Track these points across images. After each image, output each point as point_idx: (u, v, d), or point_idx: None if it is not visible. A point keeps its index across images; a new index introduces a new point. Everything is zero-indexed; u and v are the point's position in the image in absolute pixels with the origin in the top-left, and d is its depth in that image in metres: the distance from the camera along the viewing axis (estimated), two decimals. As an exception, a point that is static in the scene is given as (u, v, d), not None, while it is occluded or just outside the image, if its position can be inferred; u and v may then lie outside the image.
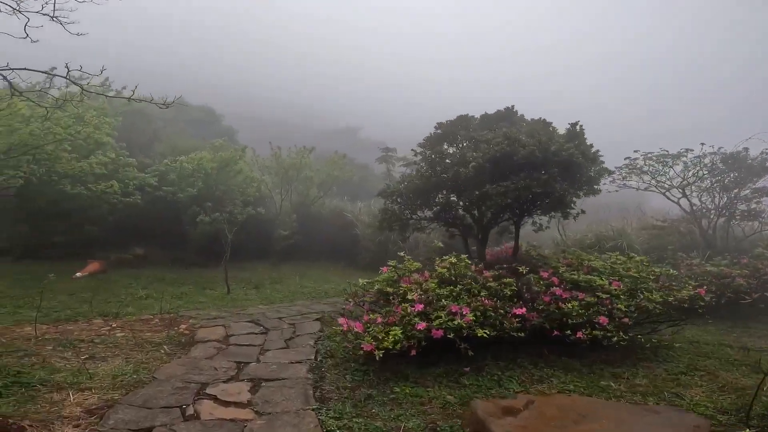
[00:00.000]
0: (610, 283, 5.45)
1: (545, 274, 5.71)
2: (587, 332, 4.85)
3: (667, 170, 11.02)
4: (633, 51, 64.16)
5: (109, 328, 6.23)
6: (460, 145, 8.15)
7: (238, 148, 12.92)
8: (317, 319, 7.02)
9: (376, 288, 5.62)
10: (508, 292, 5.27)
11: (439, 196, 8.89)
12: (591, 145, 6.93)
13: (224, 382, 4.29)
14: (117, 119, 12.42)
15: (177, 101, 5.98)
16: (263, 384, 4.27)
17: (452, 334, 4.56)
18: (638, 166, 10.99)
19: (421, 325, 4.54)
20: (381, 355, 4.38)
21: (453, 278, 5.57)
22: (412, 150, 8.92)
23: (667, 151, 10.48)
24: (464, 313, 4.69)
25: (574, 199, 6.93)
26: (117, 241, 12.01)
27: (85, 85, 5.71)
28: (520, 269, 5.96)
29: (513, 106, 8.35)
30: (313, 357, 5.19)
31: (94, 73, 5.53)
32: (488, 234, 8.51)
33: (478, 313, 4.77)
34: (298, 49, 58.79)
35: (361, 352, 4.71)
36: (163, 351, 5.26)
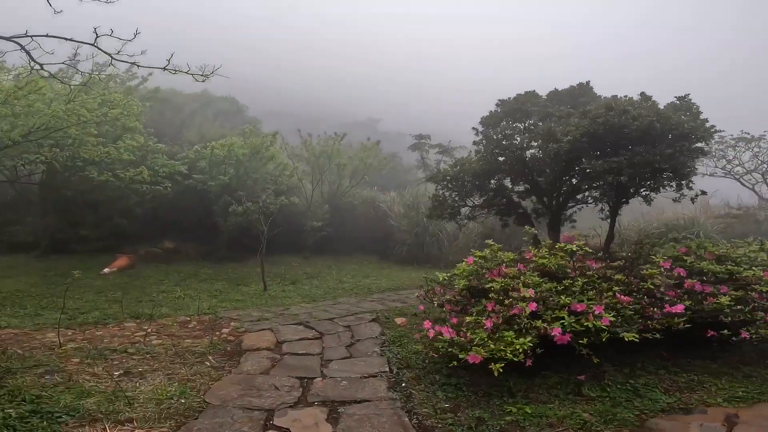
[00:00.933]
0: (763, 273, 4.37)
1: (665, 265, 4.65)
2: (752, 331, 3.83)
3: (741, 155, 9.77)
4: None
5: (143, 333, 5.39)
6: (529, 123, 7.08)
7: (268, 134, 12.00)
8: (373, 320, 6.10)
9: (461, 284, 4.62)
10: (651, 286, 4.23)
11: (493, 180, 7.88)
12: (706, 120, 5.83)
13: (292, 407, 3.37)
14: (144, 105, 11.63)
15: (216, 72, 5.04)
16: (341, 410, 3.34)
17: (585, 339, 3.58)
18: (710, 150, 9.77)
19: (556, 330, 3.56)
20: (501, 370, 3.43)
21: (557, 271, 4.57)
22: (474, 129, 7.86)
23: (748, 133, 9.23)
24: (596, 312, 3.69)
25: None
26: (146, 235, 11.28)
27: (115, 54, 4.81)
28: (619, 259, 4.94)
29: (588, 82, 7.26)
30: (387, 369, 4.26)
31: (126, 51, 4.69)
32: (560, 221, 7.46)
33: (614, 313, 3.78)
34: (320, 47, 57.64)
35: (454, 363, 3.77)
36: (209, 363, 4.38)
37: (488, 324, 3.78)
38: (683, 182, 5.75)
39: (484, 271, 4.76)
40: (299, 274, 10.44)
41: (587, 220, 10.84)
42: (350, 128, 18.13)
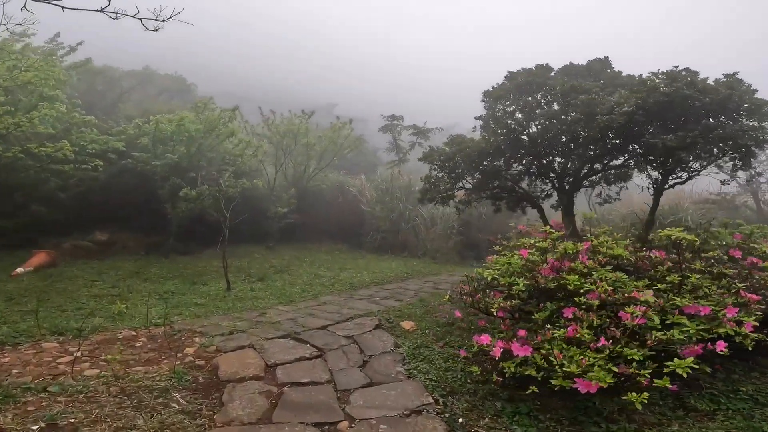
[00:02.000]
0: None
1: (736, 254, 3.90)
2: None
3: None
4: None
5: (70, 358, 3.88)
6: (546, 97, 6.15)
7: (226, 109, 10.26)
8: (376, 327, 4.95)
9: (519, 284, 3.56)
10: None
11: (497, 162, 6.93)
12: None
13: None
14: (71, 75, 9.49)
15: (176, 17, 3.54)
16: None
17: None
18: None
19: (720, 344, 2.60)
20: (645, 401, 2.44)
21: (629, 264, 3.65)
22: (482, 101, 6.81)
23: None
24: (729, 315, 2.80)
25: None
26: (73, 225, 9.23)
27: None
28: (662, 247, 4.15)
29: (606, 57, 6.43)
30: (429, 399, 3.16)
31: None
32: (573, 204, 6.66)
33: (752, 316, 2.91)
34: (275, 32, 53.70)
35: (533, 389, 2.74)
36: (176, 407, 3.03)
37: (585, 339, 2.74)
38: (744, 159, 5.12)
39: (532, 265, 3.74)
40: (266, 268, 9.00)
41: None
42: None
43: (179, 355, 4.07)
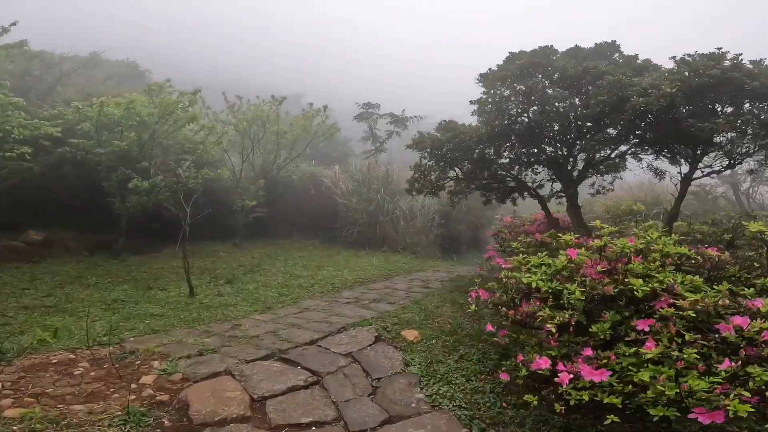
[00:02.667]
0: None
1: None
2: None
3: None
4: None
5: (-17, 402, 2.90)
6: (551, 78, 5.58)
7: (186, 92, 9.07)
8: (376, 340, 4.22)
9: (575, 292, 2.90)
10: None
11: (487, 149, 6.35)
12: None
13: None
14: None
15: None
16: None
17: None
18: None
19: None
20: None
21: (690, 264, 3.10)
22: (478, 83, 6.16)
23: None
24: None
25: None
26: (3, 223, 7.84)
27: None
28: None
29: (614, 41, 5.95)
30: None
31: None
32: (577, 195, 6.17)
33: None
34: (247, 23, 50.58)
35: (611, 418, 2.11)
36: (130, 479, 2.17)
37: (689, 359, 2.13)
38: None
39: (576, 267, 3.12)
40: (234, 268, 8.01)
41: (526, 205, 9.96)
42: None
43: (134, 386, 3.16)
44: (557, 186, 7.26)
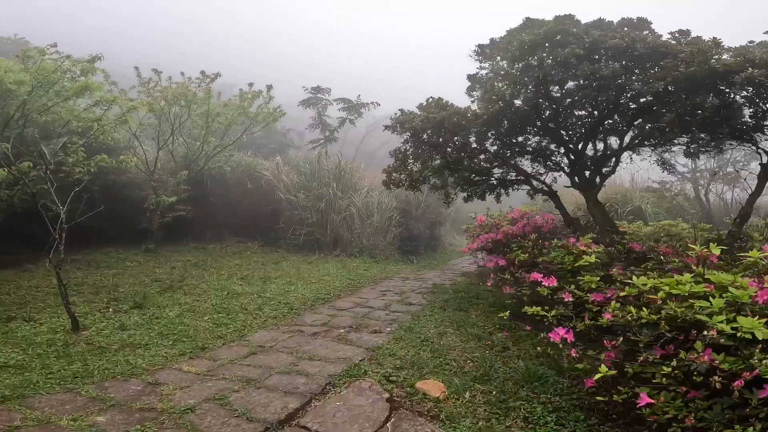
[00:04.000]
0: None
1: None
2: None
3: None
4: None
5: None
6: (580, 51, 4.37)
7: (80, 60, 6.65)
8: (390, 406, 2.66)
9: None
10: None
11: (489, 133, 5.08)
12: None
13: None
14: None
15: None
16: None
17: None
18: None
19: None
20: None
21: None
22: (475, 59, 4.80)
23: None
24: None
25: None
26: None
27: None
28: None
29: (645, 18, 4.92)
30: None
31: None
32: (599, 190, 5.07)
33: None
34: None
35: None
36: None
37: None
38: None
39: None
40: (146, 284, 5.88)
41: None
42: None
43: None
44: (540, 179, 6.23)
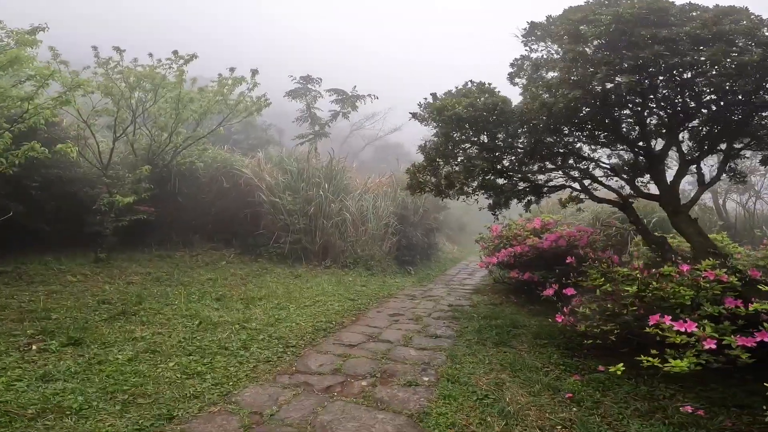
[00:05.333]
0: None
1: None
2: None
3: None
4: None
5: None
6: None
7: (19, 30, 5.22)
8: None
9: None
10: None
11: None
12: None
13: None
14: None
15: None
16: None
17: None
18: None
19: None
20: None
21: None
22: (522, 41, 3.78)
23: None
24: None
25: None
26: None
27: None
28: None
29: (745, 7, 4.03)
30: None
31: None
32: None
33: None
34: None
35: None
36: None
37: None
38: None
39: None
40: (90, 307, 4.49)
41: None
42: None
43: None
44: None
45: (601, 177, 4.64)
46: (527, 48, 4.16)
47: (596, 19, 3.22)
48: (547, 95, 3.49)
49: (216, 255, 7.67)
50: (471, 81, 4.22)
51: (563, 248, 5.60)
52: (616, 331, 3.15)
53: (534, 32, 4.09)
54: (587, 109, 3.66)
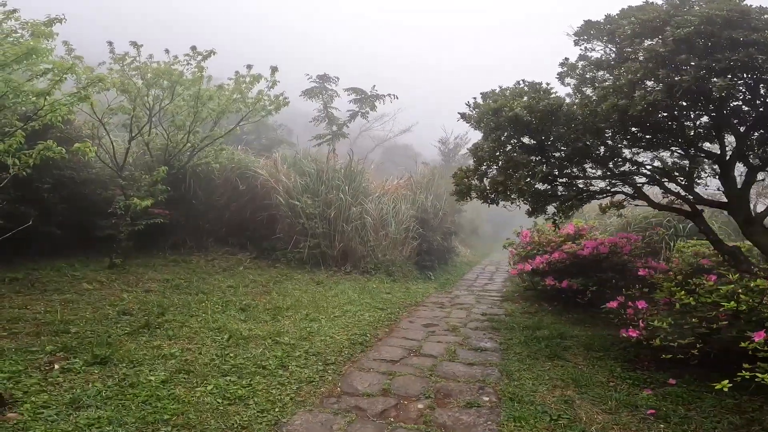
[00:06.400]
0: None
1: None
2: None
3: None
4: None
5: None
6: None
7: (35, 21, 4.97)
8: None
9: None
10: None
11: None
12: None
13: None
14: None
15: None
16: None
17: None
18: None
19: None
20: None
21: None
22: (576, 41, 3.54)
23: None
24: None
25: None
26: None
27: None
28: None
29: None
30: None
31: None
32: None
33: None
34: None
35: None
36: None
37: None
38: None
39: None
40: (110, 318, 4.22)
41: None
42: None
43: None
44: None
45: (641, 183, 4.38)
46: (581, 48, 3.90)
47: (684, 20, 2.97)
48: (619, 97, 3.21)
49: (232, 260, 7.41)
50: (522, 80, 3.96)
51: (604, 255, 5.34)
52: (698, 346, 2.90)
53: (588, 31, 3.83)
54: (665, 114, 3.42)
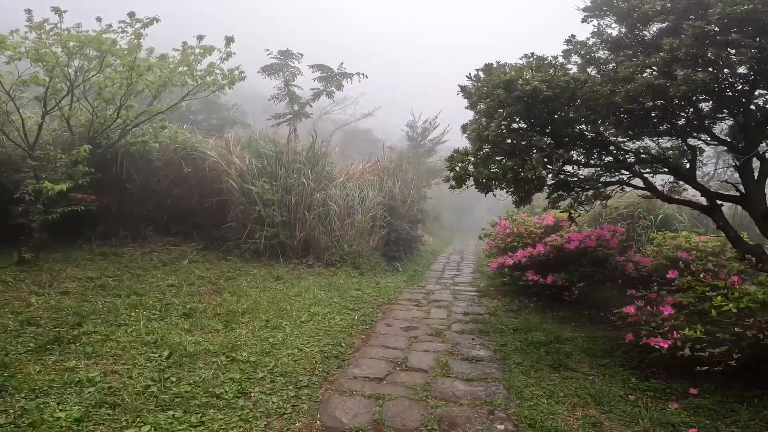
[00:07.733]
0: None
1: None
2: None
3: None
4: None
5: None
6: None
7: None
8: None
9: None
10: None
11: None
12: None
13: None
14: None
15: None
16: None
17: None
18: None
19: None
20: None
21: None
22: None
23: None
24: None
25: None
26: None
27: None
28: None
29: None
30: None
31: None
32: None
33: None
34: None
35: None
36: None
37: None
38: None
39: None
40: (10, 331, 3.25)
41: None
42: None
43: None
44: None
45: (647, 173, 4.06)
46: (592, 24, 3.44)
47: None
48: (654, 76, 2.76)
49: (175, 252, 6.41)
50: (532, 53, 3.42)
51: (591, 249, 5.03)
52: (736, 355, 2.55)
53: (601, 7, 3.37)
54: (703, 96, 3.03)
